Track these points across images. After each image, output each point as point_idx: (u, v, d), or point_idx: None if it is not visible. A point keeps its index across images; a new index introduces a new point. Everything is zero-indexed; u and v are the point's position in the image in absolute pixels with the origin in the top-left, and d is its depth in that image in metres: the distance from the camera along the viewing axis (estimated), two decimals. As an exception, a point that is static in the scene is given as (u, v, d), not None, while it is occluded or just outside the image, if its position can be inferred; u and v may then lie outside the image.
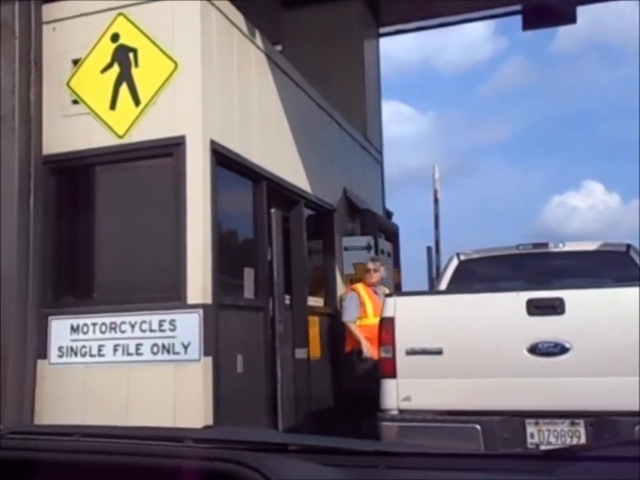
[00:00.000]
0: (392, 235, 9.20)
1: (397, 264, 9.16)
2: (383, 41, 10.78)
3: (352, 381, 5.96)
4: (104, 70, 4.91)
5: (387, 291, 5.89)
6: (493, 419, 3.69)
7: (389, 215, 10.16)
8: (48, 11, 5.03)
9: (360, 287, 6.21)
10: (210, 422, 4.44)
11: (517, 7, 9.34)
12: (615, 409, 3.51)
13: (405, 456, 1.37)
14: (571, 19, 8.94)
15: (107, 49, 4.91)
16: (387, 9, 9.86)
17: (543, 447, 3.64)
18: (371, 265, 6.32)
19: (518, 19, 9.25)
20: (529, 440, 3.69)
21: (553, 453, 1.37)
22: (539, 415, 3.69)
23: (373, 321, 5.65)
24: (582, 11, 9.04)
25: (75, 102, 5.01)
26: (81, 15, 5.00)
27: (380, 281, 6.28)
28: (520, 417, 3.70)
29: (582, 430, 3.63)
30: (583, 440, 3.61)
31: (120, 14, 4.88)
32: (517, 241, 5.67)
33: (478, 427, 3.68)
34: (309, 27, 9.12)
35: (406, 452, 1.40)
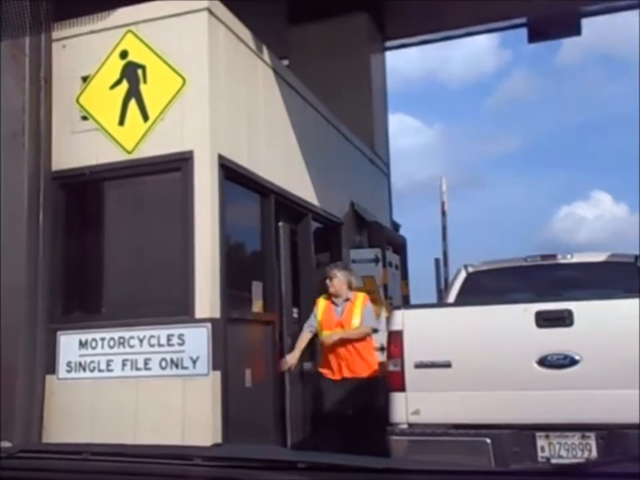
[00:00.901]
0: (400, 247, 9.20)
1: (404, 276, 9.15)
2: (388, 54, 10.86)
3: (320, 406, 5.38)
4: (113, 86, 4.96)
5: (360, 299, 5.34)
6: (503, 432, 3.67)
7: (396, 227, 10.17)
8: (58, 28, 5.09)
9: (320, 299, 5.47)
10: (218, 436, 4.43)
11: (522, 20, 9.38)
12: (626, 422, 3.48)
13: (414, 473, 1.36)
14: (575, 30, 8.96)
15: (116, 66, 4.97)
16: (392, 22, 9.94)
17: (553, 461, 3.61)
18: (327, 273, 5.43)
19: (523, 31, 9.29)
20: (540, 453, 3.66)
21: (564, 468, 1.36)
22: (549, 428, 3.66)
23: (319, 334, 5.32)
24: (586, 23, 9.06)
25: (84, 118, 5.06)
26: (91, 32, 5.06)
27: (344, 289, 5.33)
28: (530, 430, 3.67)
29: (593, 443, 3.60)
30: (594, 453, 3.58)
31: (129, 31, 4.94)
32: (525, 252, 5.66)
33: (488, 440, 3.65)
34: (316, 41, 9.19)
35: (416, 469, 1.40)
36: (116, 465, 1.37)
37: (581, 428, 3.61)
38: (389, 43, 10.62)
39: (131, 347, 4.68)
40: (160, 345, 4.61)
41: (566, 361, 3.65)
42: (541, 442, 3.67)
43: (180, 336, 4.57)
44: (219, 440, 4.39)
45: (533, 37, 9.22)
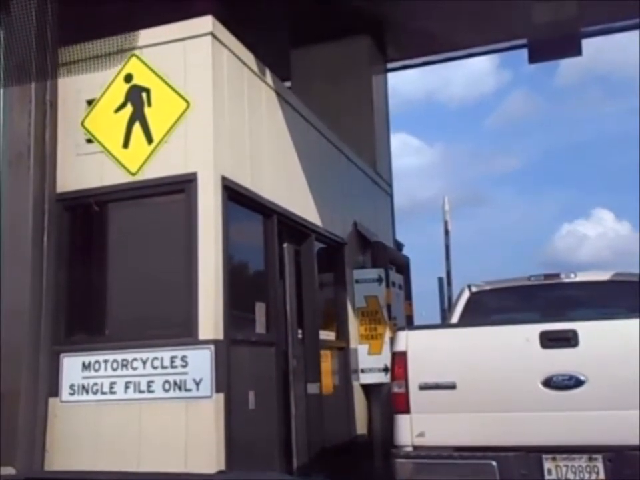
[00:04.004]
0: (403, 266, 9.19)
1: (408, 296, 9.13)
2: (390, 75, 10.93)
3: None
4: (117, 110, 5.00)
5: None
6: (509, 454, 3.63)
7: (399, 246, 10.16)
8: (63, 52, 5.14)
9: None
10: (222, 459, 4.40)
11: (523, 41, 9.45)
12: (634, 444, 3.44)
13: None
14: (576, 51, 9.01)
15: (120, 89, 5.02)
16: (393, 44, 10.03)
17: (561, 484, 3.57)
18: None
19: (523, 52, 9.34)
20: (547, 476, 3.63)
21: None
22: (555, 450, 3.63)
23: None
24: (585, 44, 9.11)
25: (89, 141, 5.10)
26: (96, 56, 5.11)
27: None
28: (537, 452, 3.64)
29: (600, 465, 3.56)
30: (601, 476, 3.54)
31: (133, 55, 4.99)
32: (528, 270, 5.67)
33: (494, 463, 3.62)
34: (318, 63, 9.28)
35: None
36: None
37: (588, 450, 3.57)
38: (390, 65, 10.71)
39: (134, 369, 4.66)
40: (163, 367, 4.59)
41: (571, 382, 3.63)
42: (547, 464, 3.63)
43: (183, 358, 4.56)
44: (222, 463, 4.36)
45: (534, 58, 9.26)
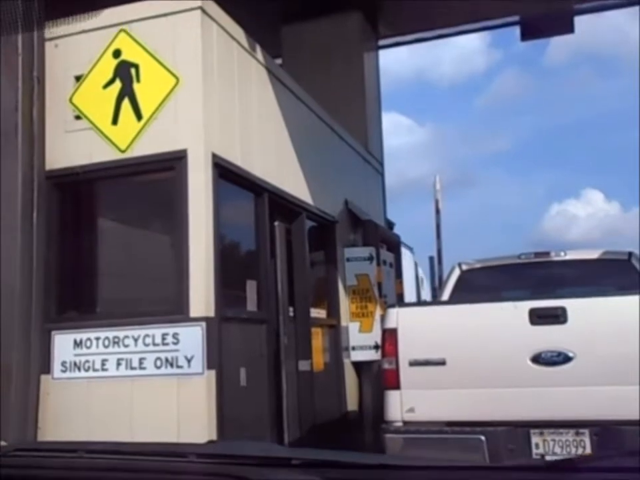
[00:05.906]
0: (394, 245, 9.21)
1: (399, 274, 9.17)
2: (380, 53, 10.84)
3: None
4: (106, 86, 4.94)
5: None
6: (498, 429, 3.69)
7: (390, 225, 10.18)
8: (50, 27, 5.07)
9: None
10: (214, 436, 4.43)
11: (515, 18, 9.40)
12: (620, 418, 3.50)
13: (409, 469, 1.37)
14: (569, 28, 8.98)
15: (108, 65, 4.95)
16: (385, 21, 9.94)
17: (548, 458, 3.63)
18: None
19: (515, 30, 9.31)
20: (534, 450, 3.69)
21: (557, 464, 1.37)
22: (543, 425, 3.68)
23: None
24: (577, 22, 9.07)
25: (78, 117, 5.04)
26: (83, 31, 5.04)
27: None
28: (524, 427, 3.70)
29: (587, 440, 3.62)
30: (588, 450, 3.60)
31: (122, 30, 4.92)
32: (518, 250, 5.70)
33: (482, 437, 3.67)
34: (309, 40, 9.18)
35: (410, 465, 1.41)
36: (110, 462, 1.37)
37: (575, 425, 3.63)
38: (382, 42, 10.62)
39: (126, 346, 4.67)
40: (155, 344, 4.60)
41: (560, 358, 3.67)
42: (535, 439, 3.69)
43: (175, 335, 4.57)
44: (214, 439, 4.39)
45: (526, 35, 9.22)
